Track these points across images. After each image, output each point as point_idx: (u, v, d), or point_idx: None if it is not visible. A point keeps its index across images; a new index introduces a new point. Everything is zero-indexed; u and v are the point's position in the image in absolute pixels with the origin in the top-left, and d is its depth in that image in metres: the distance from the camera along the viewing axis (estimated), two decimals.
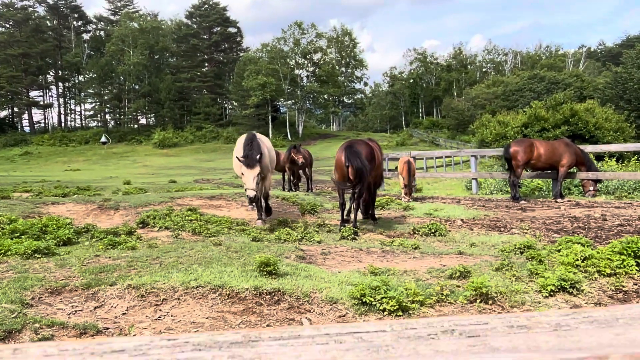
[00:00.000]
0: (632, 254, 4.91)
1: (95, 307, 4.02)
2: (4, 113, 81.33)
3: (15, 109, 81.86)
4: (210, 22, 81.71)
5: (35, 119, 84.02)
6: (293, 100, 74.43)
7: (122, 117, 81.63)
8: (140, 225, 7.62)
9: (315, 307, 4.01)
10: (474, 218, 9.06)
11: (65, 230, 6.59)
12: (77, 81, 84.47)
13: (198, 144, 65.33)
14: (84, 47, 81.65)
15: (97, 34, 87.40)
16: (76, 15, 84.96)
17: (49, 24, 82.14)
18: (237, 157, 7.33)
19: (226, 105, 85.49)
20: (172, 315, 3.87)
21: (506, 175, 12.90)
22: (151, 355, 0.52)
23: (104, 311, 3.97)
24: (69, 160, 54.33)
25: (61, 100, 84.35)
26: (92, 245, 6.21)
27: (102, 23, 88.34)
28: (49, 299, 4.13)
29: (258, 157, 7.16)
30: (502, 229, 7.97)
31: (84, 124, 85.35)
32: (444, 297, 4.10)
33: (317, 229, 7.72)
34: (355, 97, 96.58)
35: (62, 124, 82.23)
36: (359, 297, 3.95)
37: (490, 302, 4.10)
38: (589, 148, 13.25)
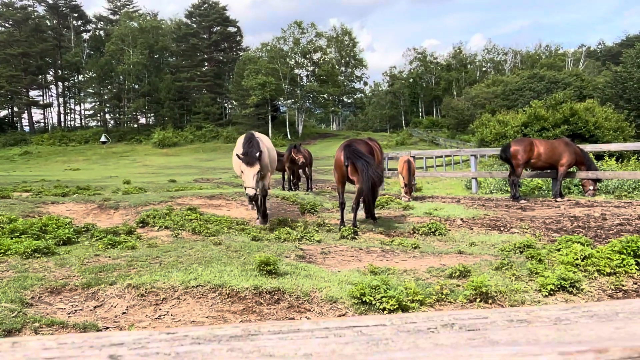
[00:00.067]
0: (631, 253, 4.92)
1: (95, 307, 4.02)
2: (3, 113, 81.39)
3: (15, 109, 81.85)
4: (210, 22, 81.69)
5: (34, 119, 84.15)
6: (293, 100, 74.44)
7: (121, 116, 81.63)
8: (140, 225, 7.63)
9: (315, 306, 4.01)
10: (473, 217, 9.06)
11: (65, 229, 6.59)
12: (76, 81, 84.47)
13: (198, 144, 65.35)
14: (83, 47, 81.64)
15: (97, 34, 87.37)
16: (76, 15, 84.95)
17: (49, 24, 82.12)
18: (237, 155, 7.32)
19: (226, 104, 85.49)
20: (171, 315, 3.87)
21: (506, 174, 12.91)
22: (150, 348, 0.52)
23: (104, 310, 3.97)
24: (69, 160, 54.33)
25: (61, 99, 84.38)
26: (92, 244, 6.21)
27: (101, 22, 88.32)
28: (49, 298, 4.13)
29: (258, 154, 7.14)
30: (502, 228, 7.98)
31: (83, 124, 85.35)
32: (443, 296, 4.10)
33: (317, 229, 7.72)
34: (355, 97, 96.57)
35: (62, 124, 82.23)
36: (358, 296, 3.95)
37: (490, 301, 4.10)
38: (588, 147, 13.25)
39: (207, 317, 3.84)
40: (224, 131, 68.44)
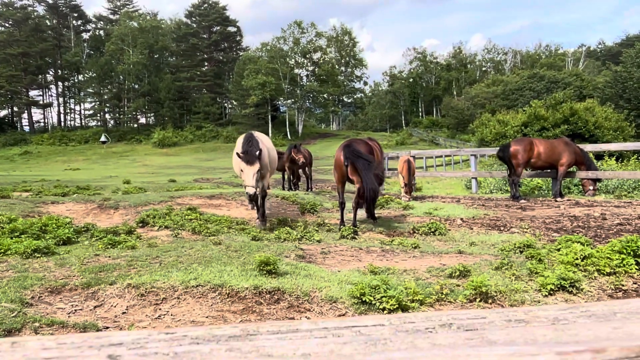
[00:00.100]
0: (631, 252, 4.92)
1: (95, 306, 4.02)
2: (3, 112, 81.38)
3: (15, 109, 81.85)
4: (210, 22, 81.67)
5: (34, 119, 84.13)
6: (293, 100, 74.44)
7: (121, 116, 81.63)
8: (140, 225, 7.63)
9: (315, 306, 4.01)
10: (473, 217, 9.06)
11: (65, 229, 6.59)
12: (76, 80, 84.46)
13: (198, 143, 65.34)
14: (83, 47, 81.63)
15: (97, 33, 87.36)
16: (76, 15, 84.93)
17: (49, 23, 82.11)
18: (237, 153, 7.31)
19: (226, 104, 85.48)
20: (171, 315, 3.87)
21: (506, 174, 12.91)
22: (149, 348, 0.53)
23: (104, 310, 3.97)
24: (69, 160, 54.32)
25: (61, 99, 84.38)
26: (92, 244, 6.21)
27: (101, 22, 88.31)
28: (49, 298, 4.13)
29: (258, 153, 7.14)
30: (502, 228, 7.98)
31: (83, 124, 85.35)
32: (443, 296, 4.10)
33: (316, 228, 7.72)
34: (355, 97, 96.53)
35: (62, 124, 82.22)
36: (358, 296, 3.95)
37: (489, 301, 4.10)
38: (588, 147, 13.25)
39: (207, 317, 3.84)
40: (224, 131, 68.44)
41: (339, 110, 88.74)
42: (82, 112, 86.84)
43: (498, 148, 12.89)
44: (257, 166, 7.09)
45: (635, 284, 4.69)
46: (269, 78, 65.80)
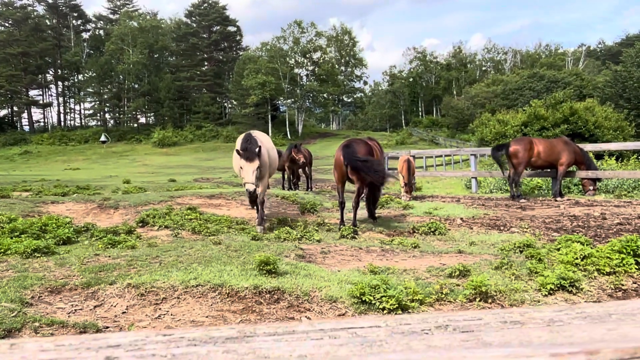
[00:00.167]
0: (631, 252, 4.92)
1: (95, 306, 4.03)
2: (3, 112, 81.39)
3: (15, 108, 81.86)
4: (210, 21, 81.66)
5: (34, 118, 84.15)
6: (293, 99, 74.45)
7: (121, 116, 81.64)
8: (140, 224, 7.63)
9: (314, 305, 4.02)
10: (473, 217, 9.07)
11: (65, 229, 6.59)
12: (76, 80, 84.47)
13: (197, 143, 65.35)
14: (83, 46, 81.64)
15: (97, 33, 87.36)
16: (75, 14, 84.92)
17: (49, 23, 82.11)
18: (236, 150, 7.30)
19: (226, 104, 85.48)
20: (171, 314, 3.88)
21: (506, 174, 12.91)
22: (147, 350, 0.53)
23: (104, 310, 3.97)
24: (69, 160, 54.33)
25: (60, 99, 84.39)
26: (92, 244, 6.22)
27: (101, 22, 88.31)
28: (49, 297, 4.14)
29: (257, 150, 7.14)
30: (502, 228, 7.98)
31: (83, 123, 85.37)
32: (443, 295, 4.11)
33: (316, 228, 7.72)
34: (355, 96, 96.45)
35: (62, 123, 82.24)
36: (358, 295, 3.95)
37: (489, 300, 4.10)
38: (588, 147, 13.26)
39: (206, 317, 3.84)
40: (223, 131, 68.45)
41: (339, 109, 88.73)
42: (82, 111, 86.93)
43: (491, 148, 12.92)
44: (256, 163, 7.09)
45: (635, 283, 4.70)
46: (269, 78, 65.81)
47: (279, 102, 77.33)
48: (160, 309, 3.96)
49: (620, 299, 4.37)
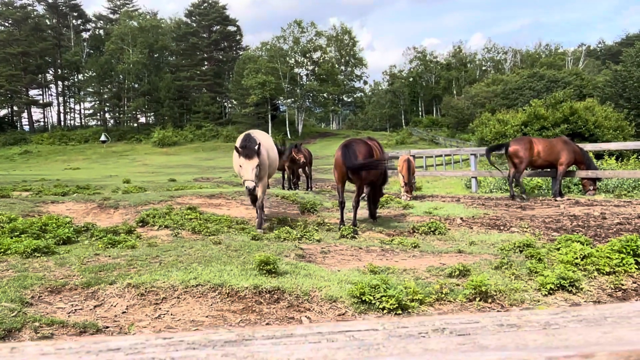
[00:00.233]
0: (631, 252, 4.92)
1: (95, 306, 4.03)
2: (3, 112, 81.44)
3: (15, 108, 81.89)
4: (210, 21, 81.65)
5: (34, 118, 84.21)
6: (293, 99, 74.45)
7: (121, 115, 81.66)
8: (140, 224, 7.63)
9: (314, 305, 4.02)
10: (473, 216, 9.07)
11: (65, 229, 6.59)
12: (76, 80, 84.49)
13: (198, 143, 65.36)
14: (83, 46, 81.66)
15: (97, 33, 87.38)
16: (75, 14, 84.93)
17: (48, 23, 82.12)
18: (236, 147, 7.31)
19: (226, 103, 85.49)
20: (171, 314, 3.88)
21: (506, 173, 12.92)
22: (146, 353, 0.53)
23: (104, 310, 3.98)
24: (69, 159, 54.35)
25: (60, 99, 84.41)
26: (92, 244, 6.22)
27: (101, 22, 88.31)
28: (49, 297, 4.14)
29: (256, 147, 7.15)
30: (502, 228, 7.99)
31: (83, 123, 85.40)
32: (443, 295, 4.11)
33: (316, 228, 7.73)
34: (355, 96, 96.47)
35: (62, 123, 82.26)
36: (358, 295, 3.96)
37: (489, 300, 4.11)
38: (588, 146, 13.25)
39: (207, 317, 3.85)
40: (223, 130, 68.47)
41: (339, 109, 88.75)
42: (82, 111, 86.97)
43: (485, 148, 12.94)
44: (255, 161, 7.09)
45: (635, 283, 4.70)
46: (269, 77, 65.82)
47: (279, 101, 77.33)
48: (160, 308, 3.97)
49: (620, 299, 4.37)
